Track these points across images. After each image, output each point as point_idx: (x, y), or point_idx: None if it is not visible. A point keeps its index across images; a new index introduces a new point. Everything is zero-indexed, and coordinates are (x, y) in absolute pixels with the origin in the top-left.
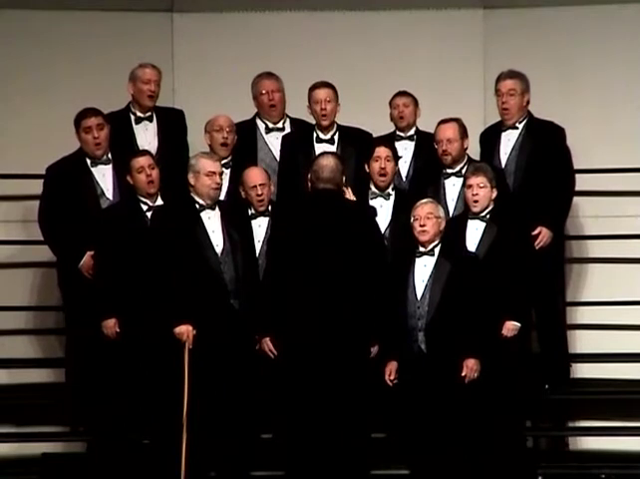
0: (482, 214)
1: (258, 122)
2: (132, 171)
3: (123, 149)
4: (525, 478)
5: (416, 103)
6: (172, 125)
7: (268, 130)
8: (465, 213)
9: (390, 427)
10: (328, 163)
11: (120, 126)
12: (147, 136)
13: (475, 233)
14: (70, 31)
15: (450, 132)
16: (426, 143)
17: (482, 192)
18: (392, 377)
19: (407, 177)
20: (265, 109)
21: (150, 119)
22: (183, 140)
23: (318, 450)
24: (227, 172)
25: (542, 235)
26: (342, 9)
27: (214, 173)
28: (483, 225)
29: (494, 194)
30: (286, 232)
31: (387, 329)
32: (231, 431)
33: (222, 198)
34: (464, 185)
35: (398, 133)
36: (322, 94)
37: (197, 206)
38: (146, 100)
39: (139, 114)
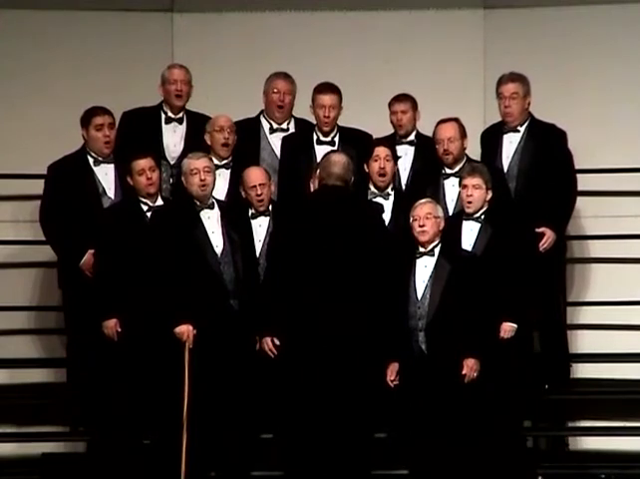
0: (477, 215)
1: (263, 121)
2: (132, 173)
3: (148, 145)
4: (525, 478)
5: (415, 107)
6: (201, 131)
7: (272, 130)
8: (460, 213)
9: (391, 427)
10: (340, 159)
11: (148, 122)
12: (174, 137)
13: (469, 233)
14: (70, 31)
15: (450, 131)
16: (426, 147)
17: (477, 193)
18: (393, 378)
19: (407, 182)
20: (272, 107)
21: (180, 121)
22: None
23: (319, 450)
24: (227, 172)
25: (547, 236)
26: (342, 9)
27: (198, 169)
28: (478, 225)
29: (489, 195)
30: (293, 229)
31: (388, 330)
32: (231, 431)
33: (222, 198)
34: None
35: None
36: (327, 100)
37: (196, 206)
38: (174, 99)
39: (170, 114)
